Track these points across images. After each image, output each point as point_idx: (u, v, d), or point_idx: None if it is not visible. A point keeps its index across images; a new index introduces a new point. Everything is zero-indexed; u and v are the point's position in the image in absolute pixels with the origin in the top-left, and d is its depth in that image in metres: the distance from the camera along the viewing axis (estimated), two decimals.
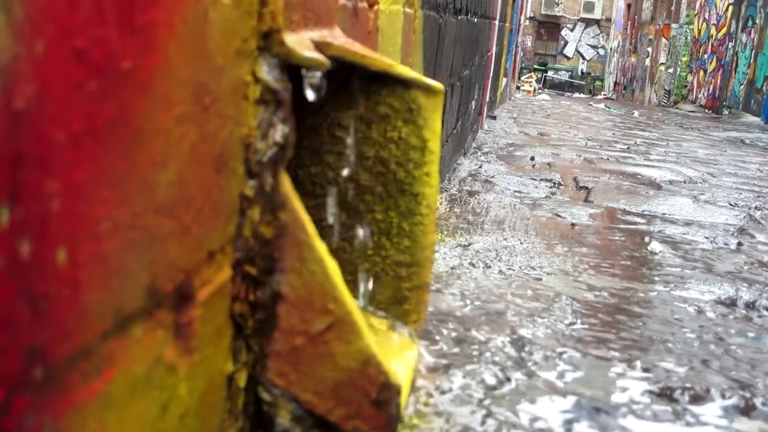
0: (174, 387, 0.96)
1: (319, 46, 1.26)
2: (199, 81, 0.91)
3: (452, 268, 2.45)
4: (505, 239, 2.95)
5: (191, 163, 0.91)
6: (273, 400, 1.16)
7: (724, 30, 18.86)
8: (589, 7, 34.33)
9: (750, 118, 15.78)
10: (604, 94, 27.65)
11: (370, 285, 1.46)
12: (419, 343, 1.69)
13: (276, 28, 1.10)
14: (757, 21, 16.76)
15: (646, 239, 3.27)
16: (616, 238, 3.26)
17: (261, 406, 1.17)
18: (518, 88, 20.41)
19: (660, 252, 3.05)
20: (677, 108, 20.02)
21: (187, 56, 0.87)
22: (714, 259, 3.05)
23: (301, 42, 1.16)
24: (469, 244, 2.78)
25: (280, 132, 1.10)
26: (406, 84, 1.41)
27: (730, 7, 18.46)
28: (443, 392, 1.52)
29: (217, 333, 1.06)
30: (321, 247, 1.13)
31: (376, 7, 1.90)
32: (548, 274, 2.54)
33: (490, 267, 2.53)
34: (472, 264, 2.53)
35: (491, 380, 1.59)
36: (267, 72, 1.09)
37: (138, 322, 0.84)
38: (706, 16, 20.37)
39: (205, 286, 1.00)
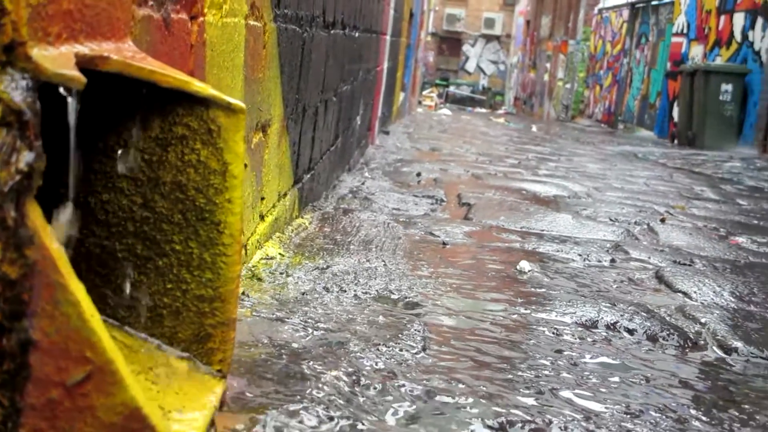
0: None
1: (93, 60, 1.13)
2: None
3: (303, 294, 2.33)
4: (368, 261, 2.84)
5: None
6: None
7: (619, 46, 19.24)
8: (490, 24, 34.76)
9: (644, 132, 16.10)
10: (505, 109, 27.98)
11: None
12: (237, 383, 1.57)
13: (20, 41, 0.96)
14: (650, 38, 17.14)
15: (520, 259, 3.20)
16: (487, 257, 3.19)
17: None
18: (420, 102, 20.48)
19: (529, 271, 2.98)
20: (575, 122, 20.33)
21: None
22: (583, 277, 3.00)
23: (59, 57, 1.03)
24: (328, 267, 2.66)
25: (25, 158, 0.97)
26: (205, 102, 1.28)
27: (625, 25, 18.84)
28: None
29: None
30: (77, 288, 1.00)
31: (201, 19, 1.78)
32: (405, 298, 2.44)
33: (345, 291, 2.42)
34: (326, 288, 2.42)
35: (311, 421, 1.47)
36: (9, 90, 0.96)
37: None
38: (602, 33, 20.77)
39: None
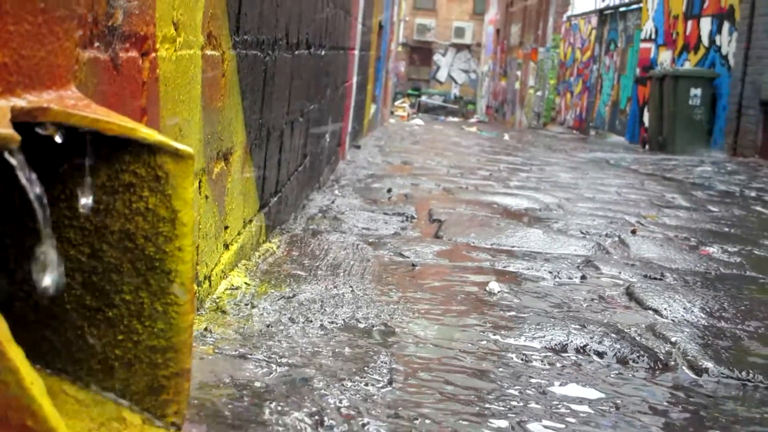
0: None
1: (31, 113, 1.10)
2: None
3: (268, 326, 2.29)
4: (335, 287, 2.81)
5: None
6: None
7: (588, 53, 19.33)
8: (460, 33, 34.87)
9: (615, 138, 16.18)
10: (477, 118, 28.03)
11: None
12: (196, 431, 1.54)
13: None
14: (619, 44, 17.23)
15: (489, 279, 3.18)
16: (456, 278, 3.17)
17: None
18: (392, 113, 20.49)
19: (498, 293, 2.96)
20: (547, 130, 20.38)
21: None
22: (553, 297, 2.98)
23: None
24: (294, 295, 2.62)
25: None
26: (151, 149, 1.25)
27: (593, 31, 18.94)
28: None
29: None
30: (16, 355, 0.96)
31: (153, 55, 1.74)
32: (373, 326, 2.41)
33: (311, 321, 2.39)
34: (291, 319, 2.38)
35: None
36: None
37: None
38: (572, 40, 20.86)
39: None
